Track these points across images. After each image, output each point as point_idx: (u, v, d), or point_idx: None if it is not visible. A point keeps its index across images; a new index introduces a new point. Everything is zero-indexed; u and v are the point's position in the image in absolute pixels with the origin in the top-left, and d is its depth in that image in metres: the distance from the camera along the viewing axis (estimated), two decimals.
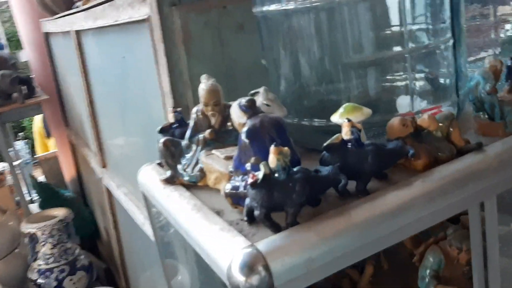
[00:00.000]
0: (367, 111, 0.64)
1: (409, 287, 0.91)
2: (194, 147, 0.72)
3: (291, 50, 0.75)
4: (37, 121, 4.22)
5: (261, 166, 0.54)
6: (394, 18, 0.70)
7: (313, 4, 0.70)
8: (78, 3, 1.71)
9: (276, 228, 0.54)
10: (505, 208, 0.69)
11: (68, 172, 3.15)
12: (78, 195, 2.95)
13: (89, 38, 1.65)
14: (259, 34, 0.82)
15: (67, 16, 1.80)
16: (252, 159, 0.59)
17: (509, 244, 0.84)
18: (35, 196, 3.20)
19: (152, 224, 0.87)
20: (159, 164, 0.81)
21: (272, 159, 0.54)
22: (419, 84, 0.73)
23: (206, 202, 0.65)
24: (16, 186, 2.34)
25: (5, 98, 2.29)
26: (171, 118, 0.81)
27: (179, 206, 0.66)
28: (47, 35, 2.59)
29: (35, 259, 2.15)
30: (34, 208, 2.88)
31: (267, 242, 0.51)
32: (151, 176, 0.78)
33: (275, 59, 0.80)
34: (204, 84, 0.70)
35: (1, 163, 3.00)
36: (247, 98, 0.61)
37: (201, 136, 0.72)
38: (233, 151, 0.68)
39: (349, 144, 0.59)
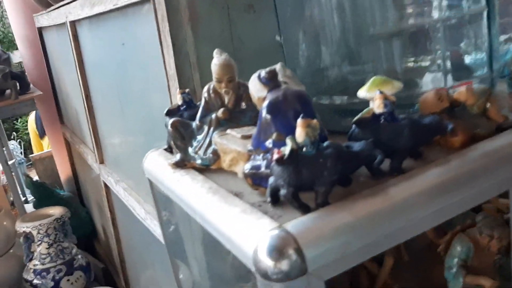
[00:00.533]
0: (398, 84, 0.59)
1: (432, 280, 0.86)
2: (205, 128, 0.67)
3: (311, 23, 0.70)
4: (31, 121, 4.14)
5: (288, 140, 0.48)
6: None
7: None
8: None
9: (305, 209, 0.48)
10: None
11: (63, 171, 3.08)
12: (74, 195, 2.89)
13: (86, 28, 1.59)
14: (274, 9, 0.77)
15: (62, 7, 1.74)
16: (274, 135, 0.53)
17: None
18: (29, 197, 3.13)
19: (159, 215, 0.82)
20: (166, 150, 0.75)
21: (300, 133, 0.48)
22: (450, 58, 0.67)
23: (222, 185, 0.59)
24: (11, 185, 2.27)
25: None
26: (179, 100, 0.75)
27: (192, 190, 0.60)
28: (40, 30, 2.52)
29: (31, 259, 2.08)
30: (29, 208, 2.81)
31: (296, 223, 0.46)
32: (158, 162, 0.73)
33: (293, 34, 0.74)
34: (217, 59, 0.65)
35: None
36: (268, 69, 0.56)
37: (213, 115, 0.66)
38: (249, 130, 0.62)
39: (382, 118, 0.54)
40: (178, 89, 0.76)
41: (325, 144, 0.49)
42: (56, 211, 2.14)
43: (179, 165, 0.67)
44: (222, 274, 0.83)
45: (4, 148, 3.55)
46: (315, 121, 0.49)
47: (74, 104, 2.18)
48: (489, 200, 0.85)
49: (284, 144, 0.49)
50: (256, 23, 0.92)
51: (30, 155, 3.44)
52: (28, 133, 4.30)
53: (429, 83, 0.67)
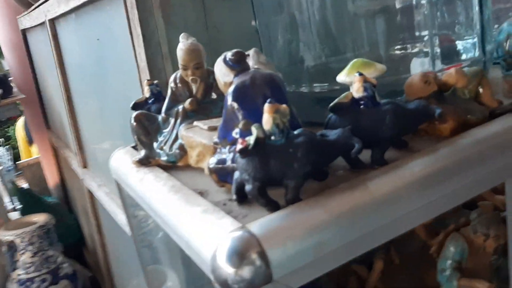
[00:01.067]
0: (381, 66, 0.53)
1: (425, 284, 0.80)
2: (172, 121, 0.60)
3: (287, 6, 0.64)
4: (19, 128, 4.07)
5: (253, 129, 0.42)
6: None
7: None
8: None
9: (273, 206, 0.42)
10: None
11: (51, 178, 3.01)
12: (62, 202, 2.81)
13: (64, 26, 1.52)
14: None
15: (41, 5, 1.68)
16: (241, 124, 0.47)
17: None
18: (18, 204, 3.06)
19: (129, 220, 0.75)
20: (134, 147, 0.69)
21: (267, 119, 0.42)
22: (438, 39, 0.61)
23: (188, 183, 0.53)
24: None
25: None
26: (146, 92, 0.69)
27: (154, 190, 0.54)
28: (24, 33, 2.46)
29: (14, 269, 2.01)
30: (16, 216, 2.74)
31: (262, 223, 0.40)
32: (123, 160, 0.67)
33: (268, 18, 0.68)
34: (182, 43, 0.59)
35: None
36: (235, 50, 0.50)
37: (180, 107, 0.60)
38: (218, 121, 0.56)
39: (362, 103, 0.48)
40: (146, 80, 0.70)
41: (296, 132, 0.43)
42: (40, 218, 2.07)
43: (143, 162, 0.61)
44: (198, 280, 0.77)
45: None
46: (284, 106, 0.43)
47: (57, 108, 2.12)
48: (484, 197, 0.79)
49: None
50: (233, 10, 0.86)
51: (17, 162, 3.37)
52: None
53: (416, 66, 0.61)
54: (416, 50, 0.61)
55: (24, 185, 3.27)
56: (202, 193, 0.50)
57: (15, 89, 2.28)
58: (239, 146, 0.42)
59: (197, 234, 0.42)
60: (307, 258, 0.39)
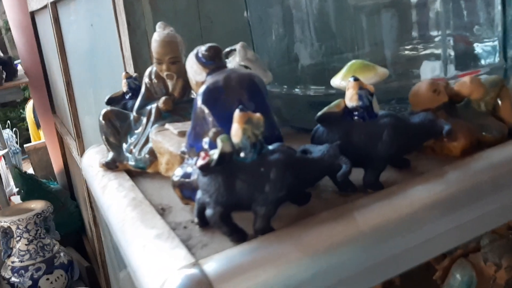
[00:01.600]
0: (382, 71, 0.45)
1: None
2: (144, 120, 0.53)
3: None
4: (29, 110, 4.05)
5: (218, 142, 0.35)
6: None
7: None
8: None
9: (238, 236, 0.35)
10: None
11: (56, 163, 2.97)
12: (65, 188, 2.77)
13: (65, 9, 1.46)
14: None
15: None
16: (211, 132, 0.39)
17: None
18: (20, 189, 3.03)
19: (101, 223, 0.68)
20: None
21: (236, 131, 0.35)
22: (453, 42, 0.53)
23: (152, 196, 0.46)
24: None
25: None
26: (123, 86, 0.62)
27: (113, 201, 0.47)
28: (33, 15, 2.41)
29: (9, 256, 1.97)
30: (18, 200, 2.71)
31: (221, 259, 0.32)
32: (93, 161, 0.60)
33: (261, 9, 0.60)
34: (158, 34, 0.51)
35: None
36: (208, 44, 0.42)
37: (153, 106, 0.53)
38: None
39: (355, 114, 0.40)
40: (123, 73, 0.63)
41: (272, 147, 0.36)
42: (38, 205, 2.02)
43: (109, 166, 0.54)
44: None
45: None
46: (258, 115, 0.35)
47: (61, 93, 2.07)
48: None
49: None
50: None
51: (25, 145, 3.33)
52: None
53: (426, 71, 0.53)
54: (427, 51, 0.53)
55: (30, 169, 3.24)
56: (164, 210, 0.42)
57: (20, 73, 2.22)
58: (200, 161, 0.35)
59: (144, 263, 0.35)
60: None
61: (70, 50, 1.57)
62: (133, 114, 0.54)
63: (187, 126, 0.49)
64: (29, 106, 4.01)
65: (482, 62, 0.55)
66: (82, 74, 1.47)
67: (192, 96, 0.54)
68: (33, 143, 3.50)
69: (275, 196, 0.34)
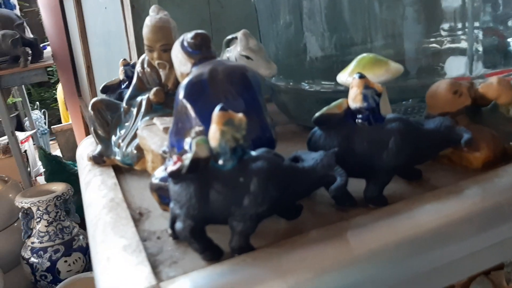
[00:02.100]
0: (395, 67, 0.39)
1: None
2: (134, 112, 0.49)
3: None
4: (60, 91, 4.09)
5: (193, 144, 0.30)
6: None
7: None
8: None
9: (211, 254, 0.30)
10: None
11: None
12: None
13: None
14: None
15: None
16: (192, 132, 0.35)
17: None
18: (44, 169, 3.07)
19: None
20: None
21: (214, 133, 0.30)
22: (481, 37, 0.47)
23: (134, 197, 0.42)
24: (16, 157, 2.17)
25: (11, 61, 2.11)
26: (120, 74, 0.58)
27: (93, 200, 0.43)
28: None
29: (29, 236, 1.99)
30: (42, 181, 2.74)
31: (185, 282, 0.28)
32: (85, 153, 0.56)
33: None
34: (149, 19, 0.47)
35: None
36: (195, 31, 0.37)
37: (145, 97, 0.49)
38: None
39: (359, 117, 0.35)
40: (121, 60, 0.58)
41: (256, 153, 0.31)
42: (59, 187, 2.03)
43: (96, 160, 0.50)
44: None
45: (25, 119, 3.51)
46: (239, 116, 0.30)
47: (84, 76, 2.06)
48: None
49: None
50: None
51: (52, 127, 3.36)
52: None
53: (450, 69, 0.47)
54: (452, 46, 0.47)
55: (57, 150, 3.28)
56: (141, 215, 0.38)
57: (46, 55, 2.22)
58: (170, 167, 0.30)
59: (105, 279, 0.31)
60: None
61: (91, 33, 1.55)
62: (123, 105, 0.50)
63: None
64: (60, 87, 4.05)
65: None
66: (101, 58, 1.45)
67: None
68: (60, 124, 3.53)
69: (254, 211, 0.29)
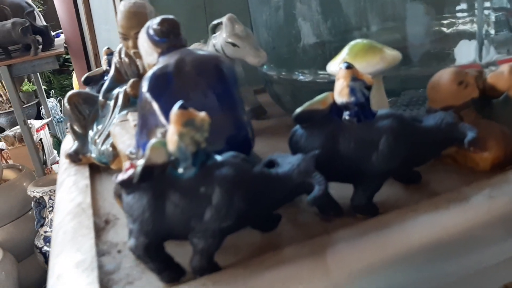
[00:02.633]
0: (391, 55, 0.35)
1: None
2: (111, 106, 0.45)
3: None
4: (75, 79, 4.09)
5: (147, 149, 0.26)
6: None
7: None
8: None
9: (170, 275, 0.27)
10: None
11: None
12: None
13: None
14: None
15: None
16: (158, 132, 0.31)
17: None
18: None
19: None
20: None
21: (171, 135, 0.26)
22: (491, 21, 0.41)
23: (105, 202, 0.38)
24: (28, 145, 2.17)
25: (24, 49, 2.10)
26: (103, 63, 0.54)
27: (61, 204, 0.39)
28: None
29: (42, 225, 1.99)
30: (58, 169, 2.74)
31: None
32: (65, 150, 0.52)
33: None
34: (123, 3, 0.43)
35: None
36: (161, 17, 0.33)
37: (121, 90, 0.45)
38: None
39: (346, 113, 0.30)
40: (104, 48, 0.54)
41: (221, 158, 0.27)
42: None
43: (72, 158, 0.46)
44: None
45: (40, 107, 3.52)
46: (202, 115, 0.26)
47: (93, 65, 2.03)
48: None
49: None
50: None
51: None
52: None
53: (459, 56, 0.42)
54: (459, 28, 0.42)
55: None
56: (107, 223, 0.34)
57: (57, 43, 2.20)
58: (120, 175, 0.26)
59: None
60: None
61: (97, 21, 1.51)
62: (99, 98, 0.46)
63: None
64: (75, 75, 4.05)
65: None
66: (108, 46, 1.41)
67: None
68: None
69: (218, 226, 0.25)
